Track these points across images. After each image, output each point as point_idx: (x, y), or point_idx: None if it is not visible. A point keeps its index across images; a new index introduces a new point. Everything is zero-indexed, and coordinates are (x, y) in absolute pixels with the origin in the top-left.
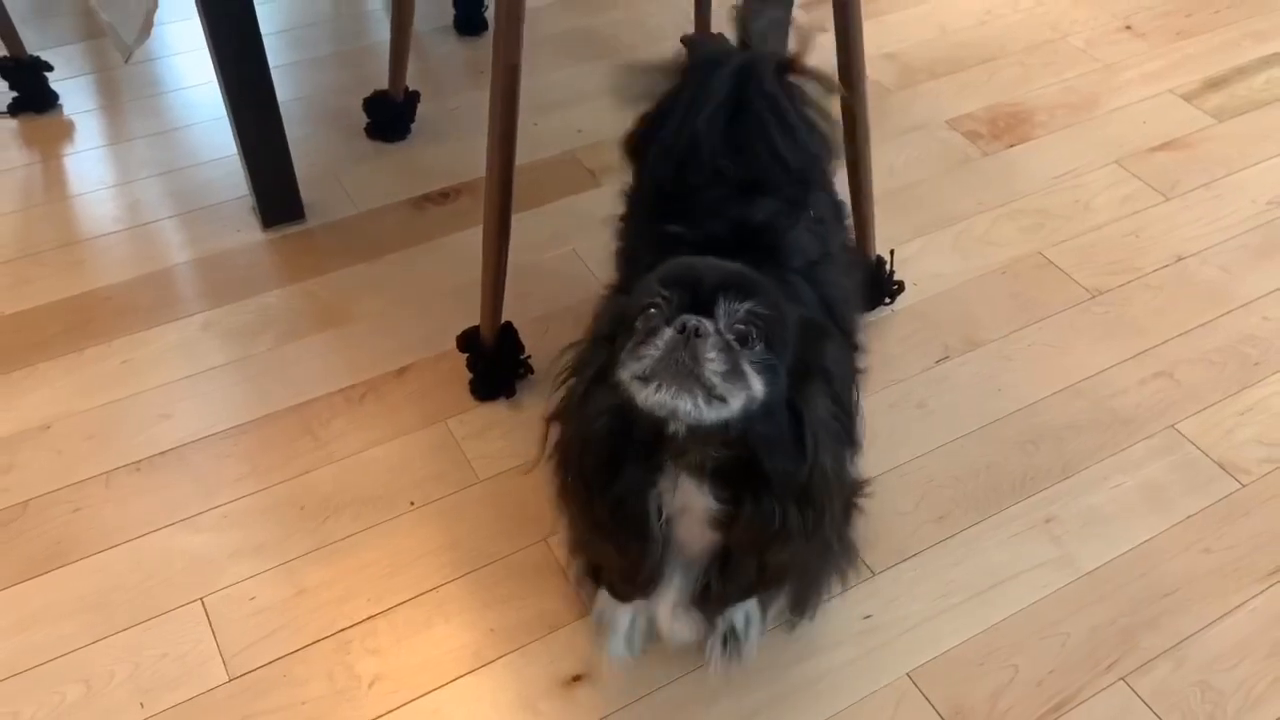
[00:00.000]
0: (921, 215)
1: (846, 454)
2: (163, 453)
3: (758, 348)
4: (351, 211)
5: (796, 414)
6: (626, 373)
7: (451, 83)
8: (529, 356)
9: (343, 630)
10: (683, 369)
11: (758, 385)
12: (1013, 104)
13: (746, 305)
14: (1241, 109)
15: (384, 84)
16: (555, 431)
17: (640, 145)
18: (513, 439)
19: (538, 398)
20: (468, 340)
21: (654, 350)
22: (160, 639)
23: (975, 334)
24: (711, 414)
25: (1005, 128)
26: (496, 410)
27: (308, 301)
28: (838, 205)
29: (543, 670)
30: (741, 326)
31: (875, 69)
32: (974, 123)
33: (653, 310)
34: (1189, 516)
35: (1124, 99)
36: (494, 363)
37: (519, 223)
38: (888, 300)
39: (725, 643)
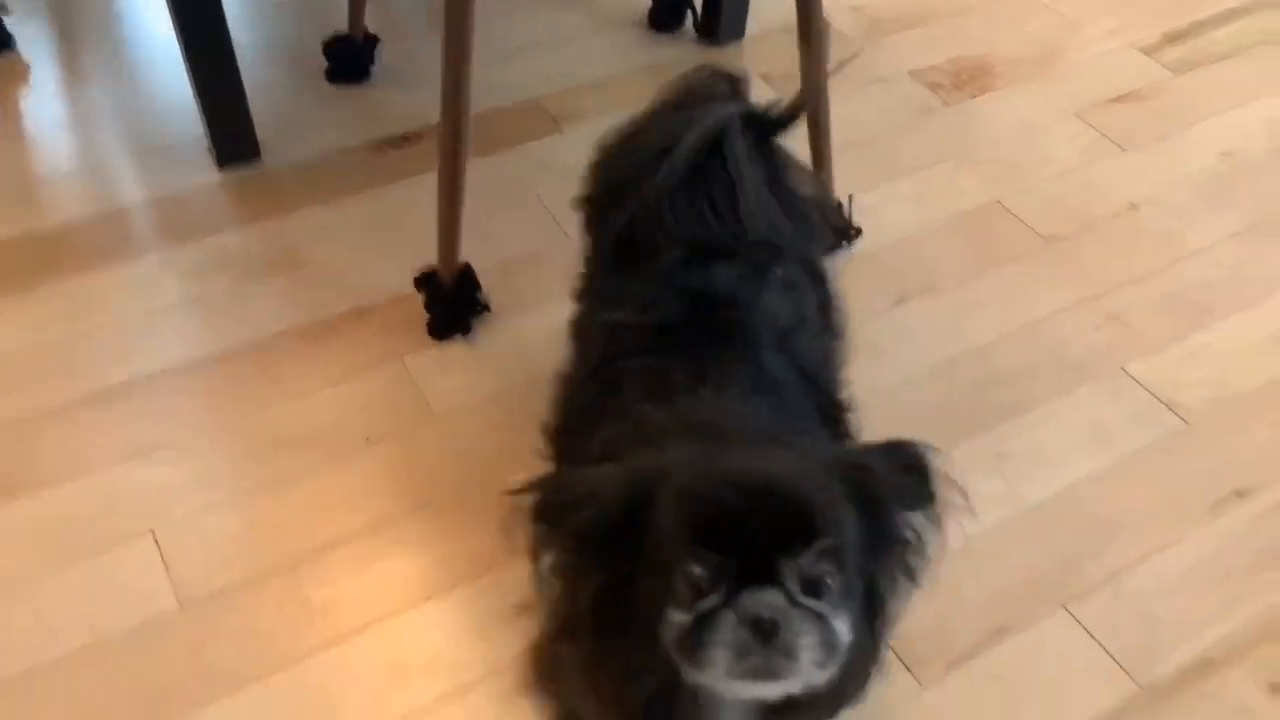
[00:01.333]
0: (883, 164)
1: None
2: (119, 386)
3: (835, 582)
4: (310, 154)
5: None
6: (673, 643)
7: (412, 27)
8: (486, 296)
9: (296, 562)
10: (763, 662)
11: (845, 627)
12: (976, 56)
13: (813, 550)
14: (1199, 63)
15: (344, 28)
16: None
17: (600, 206)
18: (469, 376)
19: (494, 336)
20: (425, 279)
21: (714, 640)
22: (111, 569)
23: (932, 280)
24: (799, 685)
25: (968, 79)
26: (453, 348)
27: (265, 242)
28: (818, 272)
29: (495, 601)
30: (814, 576)
31: (841, 20)
32: (937, 74)
33: (694, 575)
34: (1135, 452)
35: (1085, 52)
36: (451, 302)
37: (482, 168)
38: (844, 244)
39: None
